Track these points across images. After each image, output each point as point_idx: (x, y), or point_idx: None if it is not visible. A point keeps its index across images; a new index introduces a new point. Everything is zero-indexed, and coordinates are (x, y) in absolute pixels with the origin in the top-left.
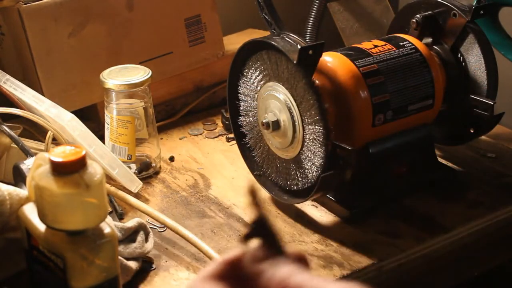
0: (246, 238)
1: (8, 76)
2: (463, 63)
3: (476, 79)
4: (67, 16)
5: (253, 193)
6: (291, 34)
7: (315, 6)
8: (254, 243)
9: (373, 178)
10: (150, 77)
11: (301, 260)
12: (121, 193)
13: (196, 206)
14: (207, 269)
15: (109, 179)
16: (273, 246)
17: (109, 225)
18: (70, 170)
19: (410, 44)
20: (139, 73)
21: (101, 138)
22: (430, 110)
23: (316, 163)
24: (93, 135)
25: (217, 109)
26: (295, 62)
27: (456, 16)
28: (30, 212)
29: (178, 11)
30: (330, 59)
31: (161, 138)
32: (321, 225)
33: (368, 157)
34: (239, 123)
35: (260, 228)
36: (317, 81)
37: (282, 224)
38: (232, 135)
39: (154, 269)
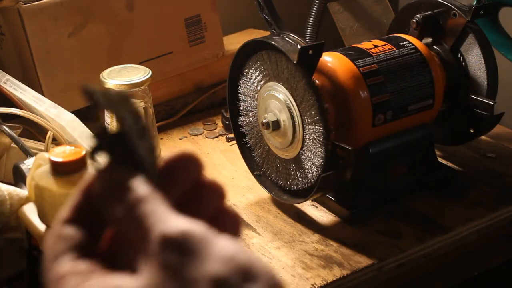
0: (94, 152)
1: (8, 76)
2: (463, 63)
3: (476, 79)
4: (67, 16)
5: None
6: (291, 34)
7: (315, 6)
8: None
9: (373, 178)
10: (150, 77)
11: (211, 192)
12: None
13: None
14: (60, 215)
15: None
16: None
17: None
18: (70, 170)
19: (410, 44)
20: (139, 73)
21: None
22: (430, 110)
23: (316, 163)
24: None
25: (217, 109)
26: (295, 62)
27: (456, 16)
28: (30, 212)
29: (178, 11)
30: (330, 59)
31: (161, 138)
32: (321, 225)
33: (368, 157)
34: (239, 123)
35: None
36: (317, 81)
37: (282, 224)
38: (232, 135)
39: None
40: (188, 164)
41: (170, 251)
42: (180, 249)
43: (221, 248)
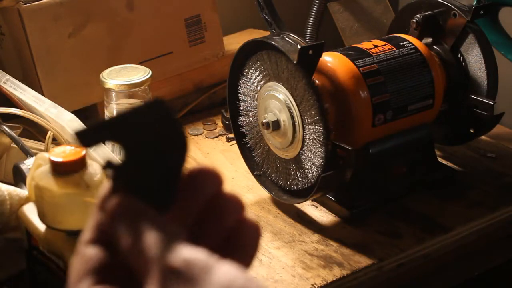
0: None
1: (8, 76)
2: (463, 63)
3: (476, 79)
4: (67, 16)
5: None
6: (291, 34)
7: (315, 6)
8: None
9: (373, 178)
10: (150, 77)
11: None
12: None
13: None
14: (83, 236)
15: None
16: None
17: None
18: (70, 170)
19: (410, 44)
20: (139, 73)
21: None
22: (430, 110)
23: (316, 163)
24: None
25: (217, 109)
26: (295, 62)
27: (456, 16)
28: (30, 212)
29: (178, 11)
30: (330, 59)
31: None
32: (321, 225)
33: (368, 157)
34: (239, 123)
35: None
36: (317, 81)
37: (282, 224)
38: (232, 135)
39: None
40: (208, 178)
41: (173, 279)
42: (182, 278)
43: (220, 275)
